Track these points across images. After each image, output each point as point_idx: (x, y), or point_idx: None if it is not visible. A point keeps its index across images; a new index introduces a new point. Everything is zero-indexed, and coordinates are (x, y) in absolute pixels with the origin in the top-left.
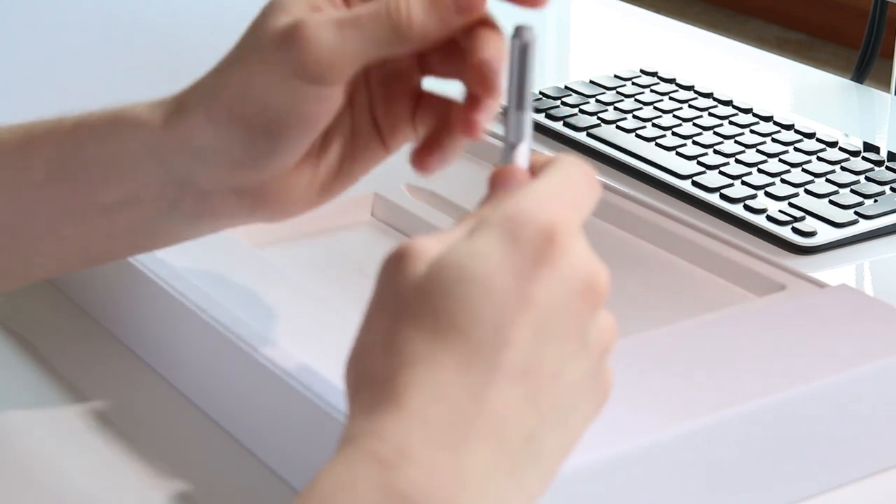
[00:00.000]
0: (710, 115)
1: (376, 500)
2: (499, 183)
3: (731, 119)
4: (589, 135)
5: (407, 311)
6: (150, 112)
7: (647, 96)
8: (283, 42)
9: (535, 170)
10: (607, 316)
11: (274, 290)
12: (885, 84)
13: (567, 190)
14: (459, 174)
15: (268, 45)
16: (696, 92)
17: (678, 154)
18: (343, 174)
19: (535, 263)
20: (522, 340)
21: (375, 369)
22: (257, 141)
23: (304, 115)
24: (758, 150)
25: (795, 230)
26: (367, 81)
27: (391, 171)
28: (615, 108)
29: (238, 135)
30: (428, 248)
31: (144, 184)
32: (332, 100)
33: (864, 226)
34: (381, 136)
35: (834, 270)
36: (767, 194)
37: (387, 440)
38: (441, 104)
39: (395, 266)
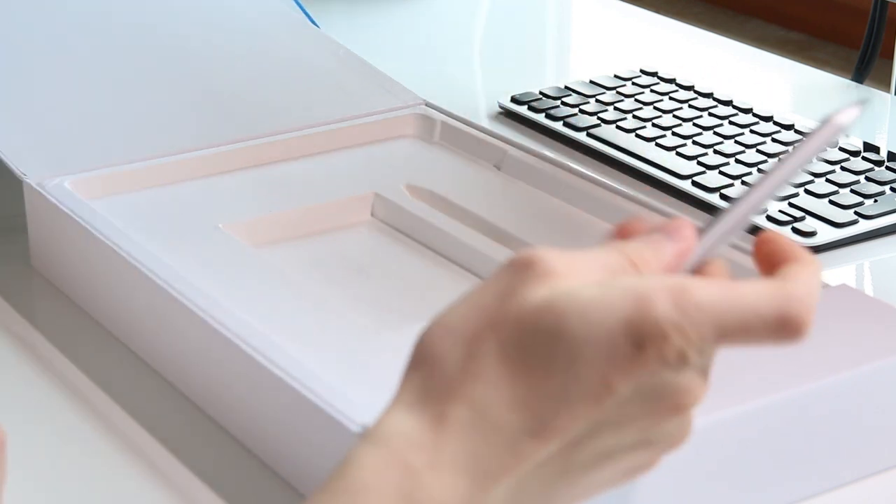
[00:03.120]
0: (710, 115)
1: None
2: (672, 232)
3: (731, 119)
4: (589, 135)
5: (499, 327)
6: None
7: (647, 96)
8: None
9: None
10: (688, 421)
11: (274, 290)
12: (885, 84)
13: (728, 311)
14: (459, 174)
15: None
16: (696, 92)
17: (678, 154)
18: None
19: (636, 359)
20: (578, 420)
21: (444, 359)
22: None
23: None
24: (758, 150)
25: (795, 230)
26: None
27: (391, 171)
28: (615, 108)
29: None
30: (556, 272)
31: None
32: None
33: (864, 226)
34: None
35: (834, 270)
36: None
37: (421, 449)
38: None
39: (518, 272)
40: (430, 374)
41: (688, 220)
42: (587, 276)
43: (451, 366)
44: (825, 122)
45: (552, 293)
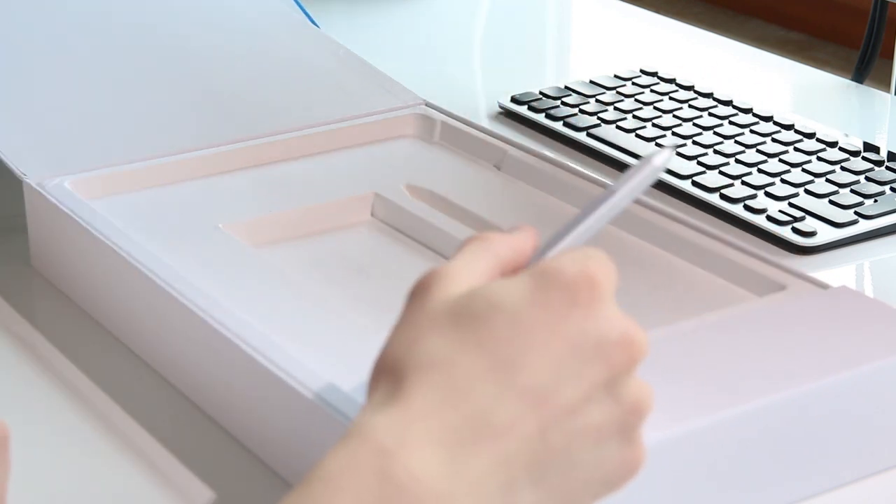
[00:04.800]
0: (710, 115)
1: (373, 485)
2: (520, 229)
3: (731, 119)
4: (589, 135)
5: (434, 323)
6: None
7: (647, 96)
8: None
9: None
10: (644, 383)
11: (274, 290)
12: (885, 84)
13: (599, 256)
14: (459, 174)
15: None
16: (696, 92)
17: (678, 154)
18: None
19: (571, 303)
20: (542, 368)
21: (394, 367)
22: None
23: None
24: (758, 150)
25: (795, 230)
26: None
27: (391, 171)
28: (615, 108)
29: None
30: (460, 278)
31: None
32: None
33: (864, 226)
34: None
35: (834, 270)
36: (767, 194)
37: (390, 431)
38: None
39: (426, 287)
40: (389, 381)
41: (533, 228)
42: (474, 274)
43: (408, 368)
44: (644, 162)
45: (469, 290)
